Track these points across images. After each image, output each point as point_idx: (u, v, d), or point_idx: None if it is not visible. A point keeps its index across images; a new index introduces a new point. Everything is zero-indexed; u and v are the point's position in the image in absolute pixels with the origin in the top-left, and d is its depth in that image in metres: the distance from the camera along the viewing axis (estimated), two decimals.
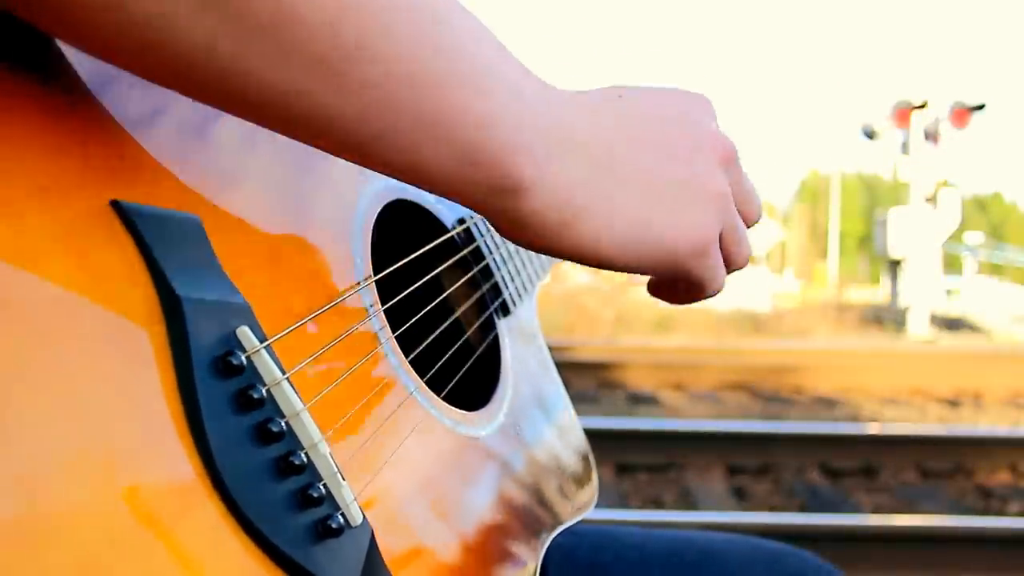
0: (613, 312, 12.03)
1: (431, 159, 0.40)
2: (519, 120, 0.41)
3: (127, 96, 0.39)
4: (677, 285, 0.52)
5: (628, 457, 3.99)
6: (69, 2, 0.33)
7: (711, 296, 0.53)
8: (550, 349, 0.81)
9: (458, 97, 0.39)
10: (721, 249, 0.52)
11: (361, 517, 0.42)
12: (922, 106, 13.49)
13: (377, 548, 0.43)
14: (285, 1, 0.34)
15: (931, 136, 13.66)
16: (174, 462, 0.34)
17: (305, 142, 0.40)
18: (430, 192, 0.43)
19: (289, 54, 0.35)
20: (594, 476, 0.78)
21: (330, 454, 0.40)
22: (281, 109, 0.37)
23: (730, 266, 0.54)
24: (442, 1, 0.40)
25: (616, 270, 0.49)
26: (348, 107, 0.37)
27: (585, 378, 6.37)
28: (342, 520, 0.40)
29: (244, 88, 0.36)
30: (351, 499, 0.41)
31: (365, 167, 0.41)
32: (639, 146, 0.47)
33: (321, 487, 0.40)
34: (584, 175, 0.44)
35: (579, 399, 5.76)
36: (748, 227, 0.55)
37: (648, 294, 0.56)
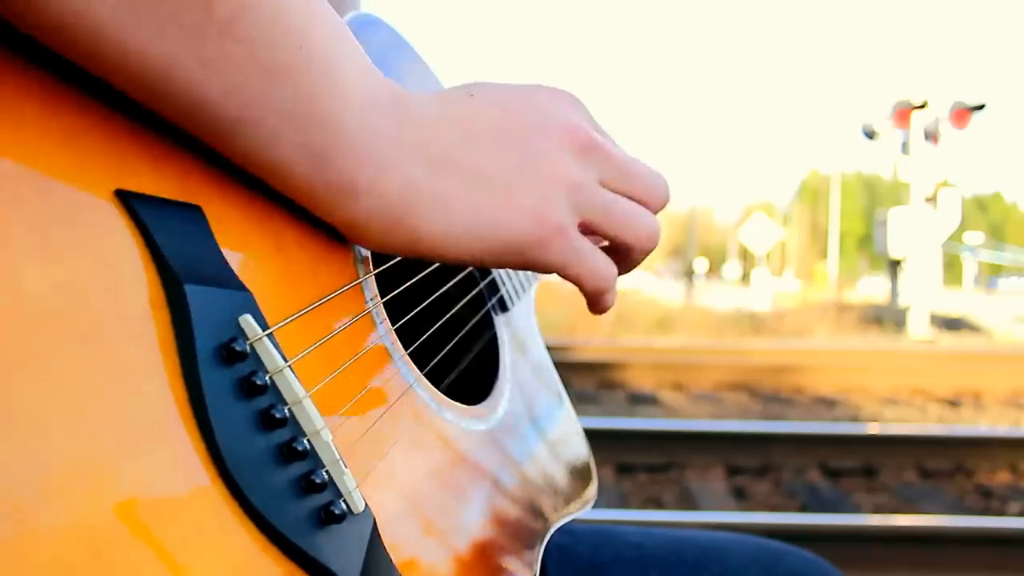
0: (613, 312, 12.02)
1: (287, 154, 0.42)
2: (360, 121, 0.44)
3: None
4: (570, 278, 0.53)
5: (628, 457, 3.99)
6: None
7: (593, 291, 0.53)
8: (550, 349, 0.82)
9: (311, 91, 0.42)
10: (601, 236, 0.52)
11: (363, 504, 0.42)
12: (922, 106, 13.49)
13: (379, 536, 0.43)
14: None
15: (931, 136, 13.66)
16: (178, 447, 0.35)
17: (172, 119, 0.40)
18: (282, 191, 0.44)
19: (163, 20, 0.36)
20: (593, 471, 0.78)
21: (332, 441, 0.41)
22: (153, 81, 0.38)
23: (624, 253, 0.54)
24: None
25: (460, 263, 0.50)
26: (214, 85, 0.39)
27: (585, 378, 6.38)
28: (344, 507, 0.40)
29: (121, 56, 0.36)
30: (353, 486, 0.41)
31: (230, 158, 0.42)
32: (475, 140, 0.48)
33: (324, 473, 0.40)
34: (418, 176, 0.46)
35: (579, 399, 5.77)
36: (653, 211, 0.55)
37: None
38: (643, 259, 0.56)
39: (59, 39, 0.36)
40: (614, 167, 0.53)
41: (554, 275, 0.53)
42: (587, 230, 0.52)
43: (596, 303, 0.55)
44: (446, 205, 0.47)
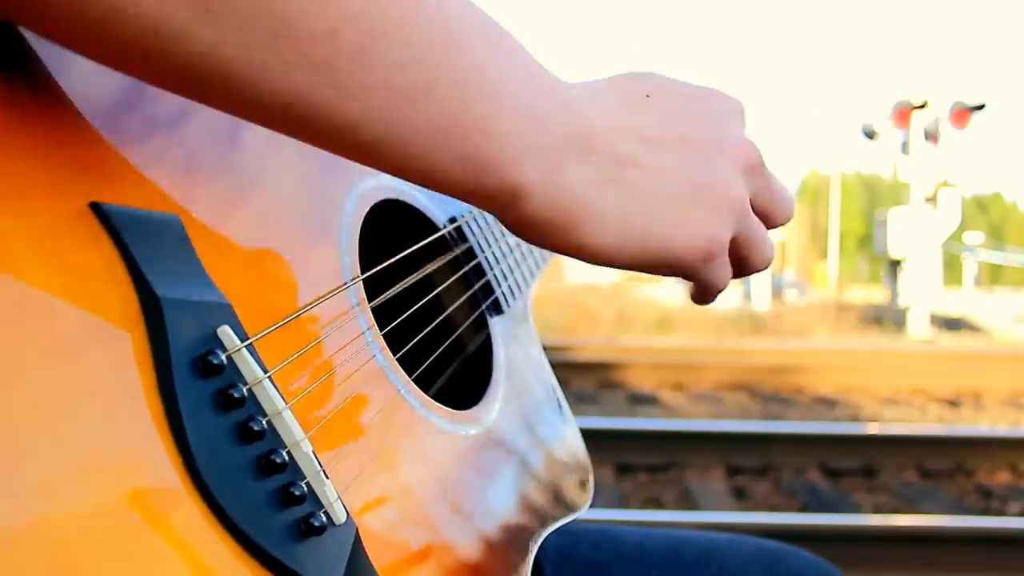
0: (613, 312, 12.02)
1: (436, 165, 0.41)
2: (522, 126, 0.42)
3: (106, 96, 0.39)
4: (695, 284, 0.53)
5: (628, 457, 3.99)
6: (77, 14, 0.33)
7: (719, 291, 0.54)
8: (550, 349, 0.81)
9: (459, 105, 0.40)
10: (733, 253, 0.52)
11: (345, 515, 0.42)
12: (922, 106, 13.49)
13: (362, 546, 0.43)
14: (284, 10, 0.35)
15: (931, 136, 13.65)
16: (155, 462, 0.34)
17: (314, 144, 0.40)
18: (440, 193, 0.43)
19: (290, 62, 0.36)
20: (590, 473, 0.77)
21: (312, 452, 0.40)
22: (286, 113, 0.37)
23: (746, 269, 0.54)
24: (450, 4, 0.40)
25: (616, 268, 0.49)
26: (350, 112, 0.38)
27: (585, 378, 6.37)
28: (325, 518, 0.40)
29: (249, 94, 0.36)
30: (334, 497, 0.41)
31: (377, 169, 0.42)
32: (654, 146, 0.47)
33: (303, 485, 0.40)
34: (591, 177, 0.44)
35: (579, 399, 5.76)
36: (772, 228, 0.55)
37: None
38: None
39: (186, 82, 0.36)
40: (768, 188, 0.53)
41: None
42: (731, 246, 0.52)
43: (704, 302, 0.55)
44: (619, 213, 0.45)
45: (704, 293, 0.54)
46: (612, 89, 0.48)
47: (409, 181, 0.42)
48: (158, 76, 0.36)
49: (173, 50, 0.34)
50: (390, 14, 0.37)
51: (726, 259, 0.51)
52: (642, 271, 0.49)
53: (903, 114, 13.69)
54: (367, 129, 0.38)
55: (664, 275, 0.50)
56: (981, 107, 13.35)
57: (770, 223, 0.55)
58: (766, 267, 0.55)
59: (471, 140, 0.40)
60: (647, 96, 0.48)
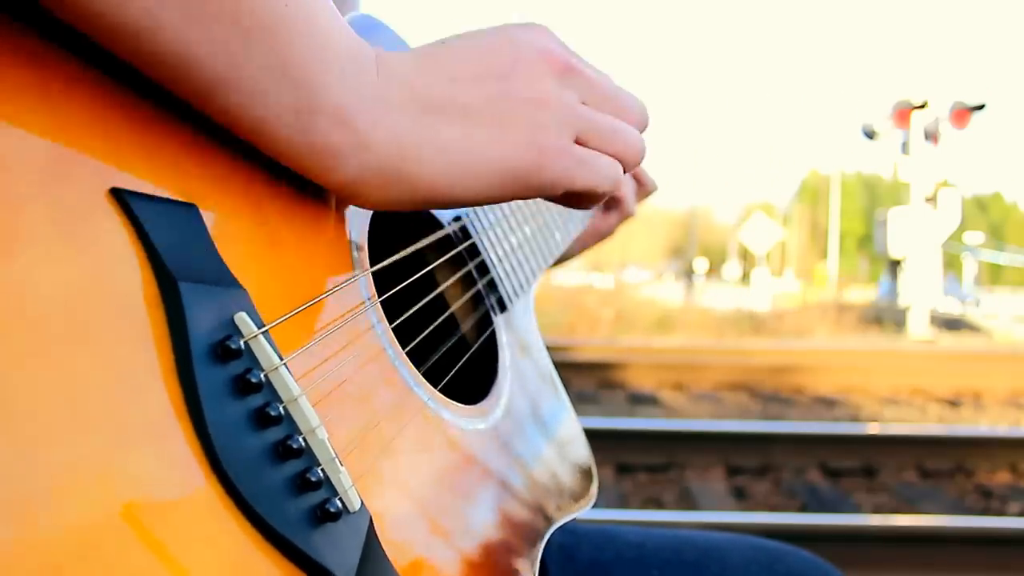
0: (613, 312, 12.03)
1: (271, 113, 0.42)
2: (345, 83, 0.44)
3: (126, 81, 0.39)
4: (567, 197, 0.53)
5: (628, 457, 3.99)
6: None
7: (606, 193, 0.54)
8: (550, 349, 0.82)
9: (301, 52, 0.42)
10: (598, 149, 0.53)
11: (359, 503, 0.42)
12: (922, 106, 13.50)
13: (375, 534, 0.43)
14: None
15: (931, 136, 13.66)
16: (173, 445, 0.35)
17: (163, 84, 0.40)
18: (271, 155, 0.44)
19: None
20: (594, 470, 0.78)
21: (328, 439, 0.41)
22: (135, 36, 0.37)
23: (625, 162, 0.55)
24: None
25: (465, 204, 0.50)
26: (198, 42, 0.38)
27: (585, 378, 6.38)
28: (340, 505, 0.40)
29: (101, 7, 0.36)
30: (349, 484, 0.41)
31: (213, 118, 0.42)
32: (456, 81, 0.49)
33: (319, 471, 0.40)
34: (405, 127, 0.46)
35: (579, 399, 5.77)
36: (636, 127, 0.56)
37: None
38: (631, 172, 0.56)
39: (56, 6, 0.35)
40: (593, 88, 0.54)
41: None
42: (590, 143, 0.53)
43: (622, 208, 0.55)
44: (439, 148, 0.47)
45: (596, 191, 0.53)
46: (408, 51, 0.50)
47: (240, 133, 0.43)
48: None
49: None
50: None
51: (581, 156, 0.52)
52: (493, 199, 0.50)
53: (903, 114, 13.69)
54: (208, 64, 0.39)
55: (521, 196, 0.51)
56: (981, 107, 13.35)
57: (622, 117, 0.55)
58: (634, 160, 0.55)
59: (301, 91, 0.42)
60: (443, 43, 0.51)
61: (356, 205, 0.48)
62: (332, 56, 0.43)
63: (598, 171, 0.52)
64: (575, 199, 0.54)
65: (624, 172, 0.56)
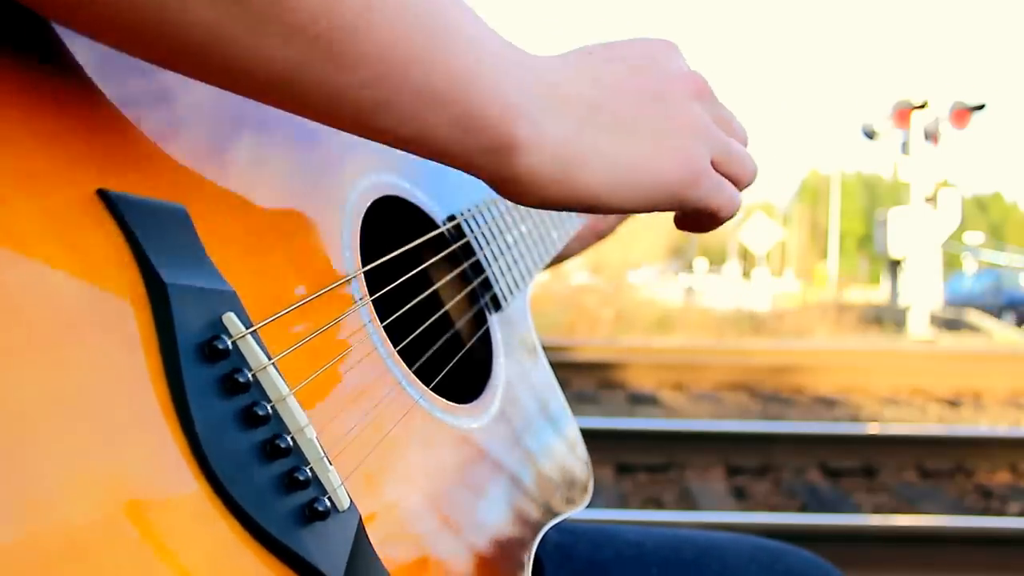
0: (613, 312, 12.02)
1: (430, 128, 0.43)
2: (509, 86, 0.45)
3: (116, 84, 0.39)
4: (695, 215, 0.56)
5: (628, 457, 3.99)
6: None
7: (728, 217, 0.57)
8: (550, 349, 0.82)
9: (451, 69, 0.42)
10: (722, 172, 0.55)
11: (348, 501, 0.42)
12: (922, 106, 13.49)
13: (365, 532, 0.43)
14: None
15: (931, 136, 13.66)
16: (161, 445, 0.35)
17: (311, 117, 0.41)
18: (431, 159, 0.45)
19: (289, 35, 0.37)
20: (589, 469, 0.78)
21: (316, 439, 0.41)
22: (285, 85, 0.39)
23: (740, 183, 0.58)
24: None
25: (617, 212, 0.52)
26: (348, 82, 0.39)
27: (585, 378, 6.37)
28: (328, 503, 0.41)
29: (249, 68, 0.38)
30: (338, 483, 0.42)
31: (369, 139, 0.43)
32: (615, 95, 0.51)
33: (307, 470, 0.40)
34: (571, 129, 0.48)
35: (579, 399, 5.76)
36: (746, 146, 0.58)
37: (678, 229, 0.59)
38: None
39: (193, 64, 0.37)
40: (720, 111, 0.57)
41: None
42: (715, 168, 0.55)
43: (721, 223, 0.58)
44: (604, 156, 0.49)
45: (711, 217, 0.56)
46: (559, 56, 0.52)
47: (405, 149, 0.44)
48: (158, 52, 0.37)
49: (176, 23, 0.35)
50: None
51: (719, 180, 0.54)
52: (640, 210, 0.52)
53: (903, 114, 13.69)
54: (363, 101, 0.40)
55: (664, 209, 0.54)
56: (981, 107, 13.35)
57: (737, 140, 0.58)
58: (752, 180, 0.58)
59: (462, 103, 0.43)
60: (590, 54, 0.53)
61: (516, 202, 0.49)
62: (488, 64, 0.44)
63: (729, 194, 0.55)
64: (704, 219, 0.56)
65: (742, 190, 0.58)
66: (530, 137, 0.46)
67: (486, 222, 0.73)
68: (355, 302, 0.51)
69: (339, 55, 0.38)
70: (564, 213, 0.86)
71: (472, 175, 0.47)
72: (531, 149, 0.46)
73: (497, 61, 0.45)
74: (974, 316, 13.52)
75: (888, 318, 13.42)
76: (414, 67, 0.41)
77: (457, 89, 0.42)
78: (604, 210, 0.51)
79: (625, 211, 0.52)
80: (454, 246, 0.69)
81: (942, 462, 4.07)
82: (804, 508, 3.56)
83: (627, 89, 0.51)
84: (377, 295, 0.55)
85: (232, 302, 0.40)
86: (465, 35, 0.43)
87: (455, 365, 0.68)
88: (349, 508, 0.42)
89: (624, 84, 0.51)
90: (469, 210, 0.71)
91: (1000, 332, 11.93)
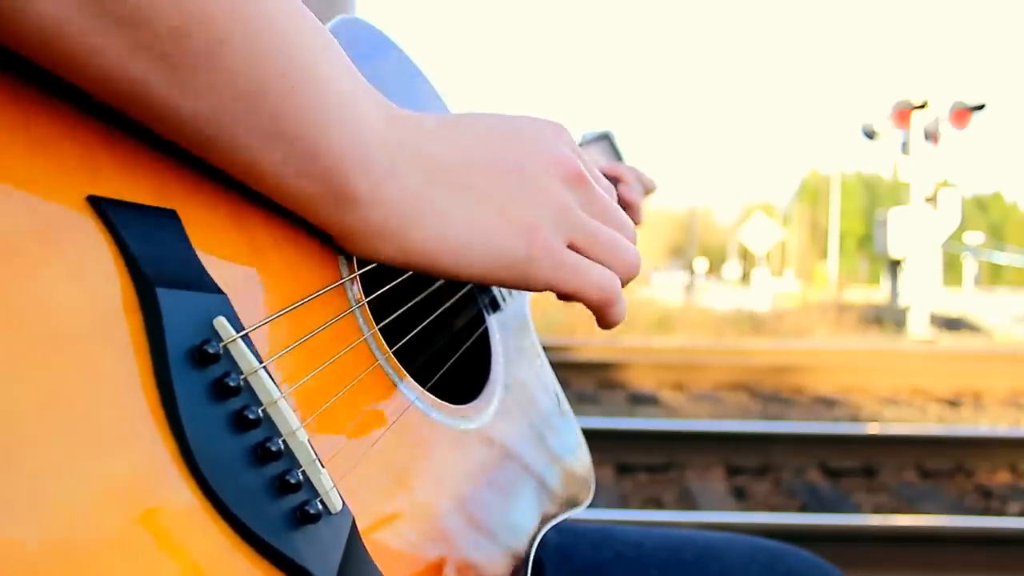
0: None
1: (267, 166, 0.43)
2: (351, 136, 0.45)
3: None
4: (562, 296, 0.54)
5: (628, 457, 3.99)
6: None
7: (598, 302, 0.54)
8: (550, 349, 0.82)
9: (296, 111, 0.42)
10: (590, 256, 0.54)
11: (341, 504, 0.42)
12: (922, 106, 13.49)
13: (358, 535, 0.43)
14: (138, 2, 0.36)
15: (931, 136, 13.66)
16: (151, 450, 0.34)
17: (155, 130, 0.41)
18: (268, 196, 0.45)
19: (136, 49, 0.37)
20: (590, 469, 0.78)
21: (309, 442, 0.41)
22: (127, 95, 0.38)
23: (619, 273, 0.55)
24: (293, 17, 0.42)
25: (461, 279, 0.51)
26: (190, 105, 0.39)
27: (585, 378, 6.38)
28: (321, 506, 0.40)
29: (95, 70, 0.37)
30: (330, 486, 0.41)
31: (210, 163, 0.43)
32: (471, 160, 0.50)
33: (299, 474, 0.40)
34: (414, 186, 0.48)
35: (579, 399, 5.77)
36: (629, 239, 0.56)
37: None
38: (624, 286, 0.57)
39: (32, 52, 0.36)
40: (594, 201, 0.55)
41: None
42: (575, 251, 0.54)
43: (603, 316, 0.56)
44: (442, 217, 0.49)
45: (585, 299, 0.54)
46: (424, 115, 0.51)
47: (237, 178, 0.44)
48: (8, 38, 0.36)
49: (23, 14, 0.34)
50: (235, 19, 0.39)
51: (574, 261, 0.53)
52: (487, 280, 0.51)
53: (903, 114, 13.69)
54: (202, 126, 0.40)
55: (510, 285, 0.52)
56: (981, 107, 13.35)
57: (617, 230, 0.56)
58: (628, 273, 0.56)
59: (300, 144, 0.43)
60: (459, 121, 0.52)
61: (352, 254, 0.49)
62: (337, 113, 0.44)
63: (586, 278, 0.53)
64: (567, 299, 0.55)
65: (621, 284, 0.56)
66: (367, 190, 0.46)
67: None
68: (350, 304, 0.51)
69: (182, 79, 0.38)
70: None
71: (311, 222, 0.47)
72: (365, 203, 0.46)
73: (346, 111, 0.44)
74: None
75: (888, 318, 13.42)
76: (256, 104, 0.41)
77: (295, 132, 0.42)
78: (445, 275, 0.50)
79: (469, 279, 0.51)
80: None
81: (942, 462, 4.07)
82: (804, 508, 3.56)
83: (485, 157, 0.51)
84: (372, 297, 0.55)
85: (223, 306, 0.40)
86: (320, 77, 0.43)
87: (452, 366, 0.68)
88: (342, 510, 0.42)
89: (484, 152, 0.51)
90: None
91: (1000, 332, 11.93)
